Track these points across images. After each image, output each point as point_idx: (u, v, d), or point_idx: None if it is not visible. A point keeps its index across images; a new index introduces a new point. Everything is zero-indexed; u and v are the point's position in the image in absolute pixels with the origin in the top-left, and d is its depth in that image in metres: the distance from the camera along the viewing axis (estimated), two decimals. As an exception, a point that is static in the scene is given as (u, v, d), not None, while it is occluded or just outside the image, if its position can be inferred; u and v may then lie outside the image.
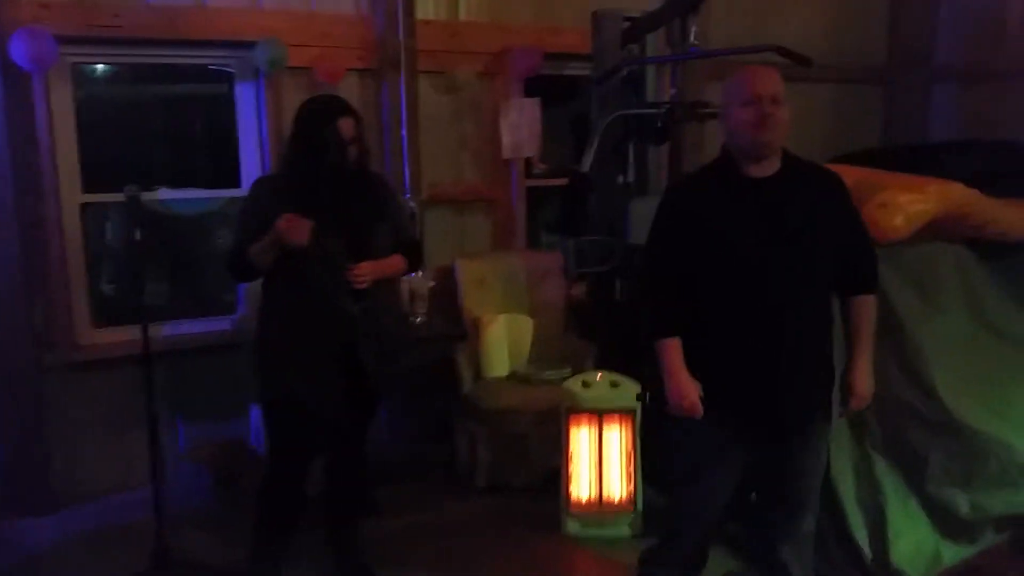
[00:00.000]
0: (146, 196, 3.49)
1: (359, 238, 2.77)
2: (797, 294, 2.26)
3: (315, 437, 2.88)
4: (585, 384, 3.34)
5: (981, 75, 5.19)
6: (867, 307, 2.41)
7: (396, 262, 2.93)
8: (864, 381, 2.39)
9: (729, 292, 2.28)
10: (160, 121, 4.56)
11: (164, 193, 3.98)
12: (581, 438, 3.34)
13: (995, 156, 4.67)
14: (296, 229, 2.59)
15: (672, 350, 2.33)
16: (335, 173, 2.73)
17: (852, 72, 5.50)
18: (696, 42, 3.43)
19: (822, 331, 2.36)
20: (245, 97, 4.06)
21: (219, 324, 4.06)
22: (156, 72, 4.20)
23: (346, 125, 2.73)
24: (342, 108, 2.77)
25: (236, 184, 4.13)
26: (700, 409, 2.30)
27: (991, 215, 3.49)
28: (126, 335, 3.75)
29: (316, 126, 2.72)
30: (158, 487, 3.06)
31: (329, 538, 3.04)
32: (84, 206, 3.78)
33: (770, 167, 2.30)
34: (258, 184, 2.92)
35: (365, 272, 2.75)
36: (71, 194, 3.71)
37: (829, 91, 5.43)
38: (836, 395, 2.42)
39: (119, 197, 3.07)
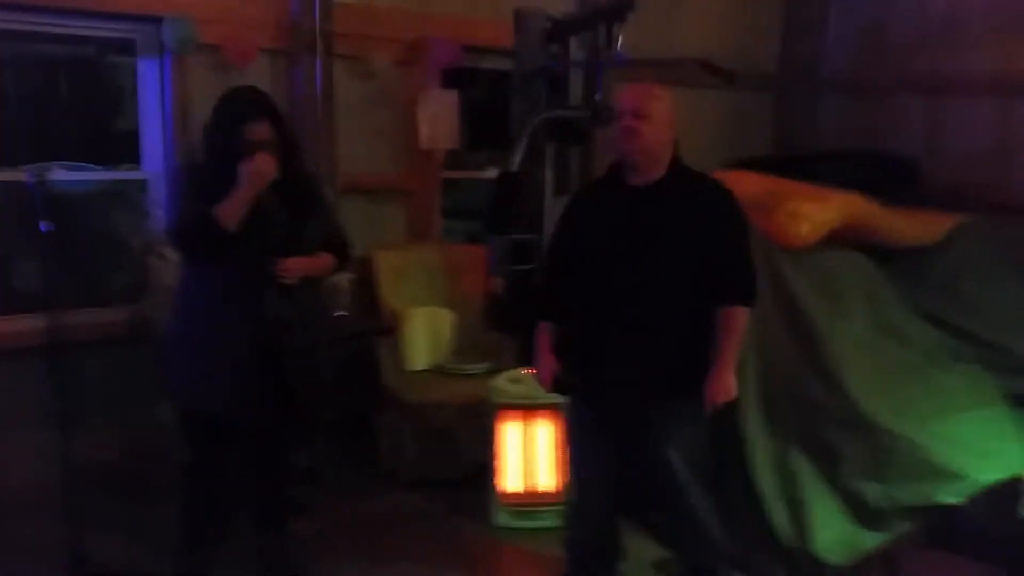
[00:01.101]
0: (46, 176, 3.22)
1: (285, 235, 2.68)
2: (646, 296, 2.41)
3: (234, 440, 2.79)
4: (512, 380, 3.38)
5: (865, 87, 5.54)
6: (732, 318, 2.45)
7: (325, 260, 2.84)
8: (716, 387, 2.43)
9: (587, 287, 2.49)
10: (48, 90, 4.23)
11: (61, 173, 3.68)
12: (510, 433, 3.38)
13: (873, 165, 5.04)
14: (266, 162, 2.55)
15: (541, 333, 2.61)
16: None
17: (745, 80, 5.74)
18: (621, 49, 3.50)
19: (664, 335, 2.43)
20: (148, 74, 3.82)
21: (113, 314, 3.80)
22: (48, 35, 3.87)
23: (258, 129, 2.61)
24: (256, 110, 2.65)
25: (135, 162, 3.89)
26: (549, 386, 2.60)
27: (886, 225, 3.78)
28: (19, 324, 3.49)
29: (226, 128, 2.63)
30: (68, 487, 2.86)
31: (256, 545, 2.95)
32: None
33: (651, 176, 2.46)
34: (187, 170, 2.79)
35: (293, 268, 2.65)
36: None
37: (722, 98, 5.64)
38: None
39: (16, 175, 2.85)
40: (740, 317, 2.48)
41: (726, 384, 2.45)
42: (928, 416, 3.13)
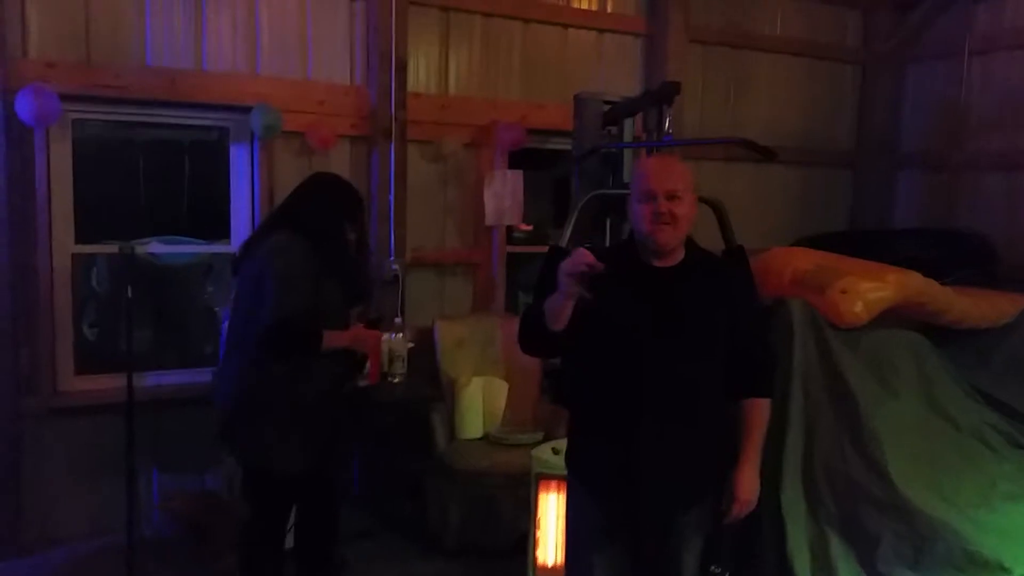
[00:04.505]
0: (138, 249, 3.60)
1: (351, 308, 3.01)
2: (670, 387, 2.22)
3: (297, 496, 3.00)
4: (555, 451, 3.44)
5: (942, 163, 5.44)
6: (756, 411, 2.36)
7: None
8: (745, 487, 2.33)
9: (602, 374, 2.25)
10: (148, 169, 4.69)
11: (155, 246, 4.08)
12: (550, 504, 3.43)
13: (950, 243, 4.92)
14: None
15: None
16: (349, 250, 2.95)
17: (821, 156, 5.75)
18: (670, 130, 3.62)
19: (699, 427, 2.29)
20: (239, 157, 4.21)
21: (199, 376, 4.12)
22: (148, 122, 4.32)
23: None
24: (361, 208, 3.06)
25: (226, 238, 4.25)
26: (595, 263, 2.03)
27: (946, 304, 3.67)
28: (107, 383, 3.84)
29: (354, 206, 3.00)
30: (131, 537, 3.10)
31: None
32: (74, 256, 3.88)
33: (671, 259, 2.29)
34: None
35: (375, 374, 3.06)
36: (64, 245, 3.81)
37: (799, 174, 5.67)
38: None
39: (110, 248, 3.15)
40: (767, 410, 2.39)
41: (755, 485, 2.36)
42: (975, 503, 3.00)
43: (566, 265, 2.06)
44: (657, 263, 2.29)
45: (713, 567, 2.98)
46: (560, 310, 2.12)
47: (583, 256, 2.02)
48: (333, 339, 2.81)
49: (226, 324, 3.74)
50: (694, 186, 2.29)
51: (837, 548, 2.98)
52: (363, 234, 3.06)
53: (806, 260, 3.73)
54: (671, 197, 2.21)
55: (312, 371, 2.82)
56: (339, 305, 2.93)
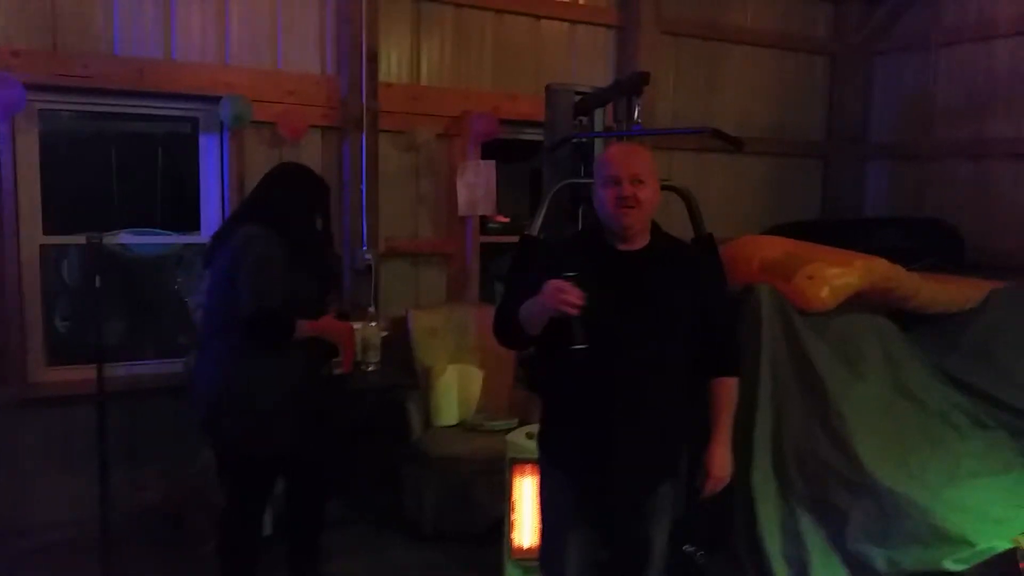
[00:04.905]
0: (107, 239, 3.57)
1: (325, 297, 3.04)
2: (639, 368, 2.26)
3: (279, 480, 3.07)
4: (529, 436, 3.46)
5: (911, 153, 5.53)
6: (725, 389, 2.40)
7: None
8: (718, 464, 2.38)
9: (573, 361, 2.22)
10: (120, 161, 4.65)
11: (125, 237, 4.05)
12: (525, 487, 3.45)
13: (917, 232, 5.00)
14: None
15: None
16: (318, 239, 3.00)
17: (793, 147, 5.81)
18: (639, 120, 3.65)
19: (667, 407, 2.33)
20: (209, 148, 4.18)
21: (172, 366, 4.09)
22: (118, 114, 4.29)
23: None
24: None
25: (196, 228, 4.22)
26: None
27: (912, 289, 3.73)
28: (79, 374, 3.82)
29: (322, 192, 3.05)
30: (105, 526, 3.09)
31: (291, 561, 3.15)
32: (42, 247, 3.84)
33: (637, 242, 2.33)
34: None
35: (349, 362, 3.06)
36: (31, 236, 3.77)
37: (771, 164, 5.72)
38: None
39: (79, 239, 3.13)
40: (734, 389, 2.43)
41: (728, 463, 2.40)
42: (940, 481, 3.06)
43: (550, 298, 2.12)
44: (622, 247, 2.32)
45: (686, 546, 3.03)
46: (537, 322, 2.22)
47: (569, 296, 2.09)
48: (304, 328, 2.85)
49: (199, 315, 3.75)
50: (658, 174, 2.34)
51: (807, 526, 3.03)
52: (327, 223, 3.08)
53: (774, 248, 3.78)
54: (635, 181, 2.25)
55: (290, 358, 2.87)
56: (311, 294, 2.96)
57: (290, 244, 2.85)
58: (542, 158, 4.10)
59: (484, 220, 4.82)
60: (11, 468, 3.72)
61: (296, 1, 4.21)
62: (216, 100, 3.96)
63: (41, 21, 3.67)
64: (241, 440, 2.87)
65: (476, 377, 4.22)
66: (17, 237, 3.70)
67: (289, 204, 2.95)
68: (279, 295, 2.76)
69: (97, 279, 3.14)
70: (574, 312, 2.10)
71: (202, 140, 4.18)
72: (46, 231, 3.82)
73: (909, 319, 3.76)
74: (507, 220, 5.31)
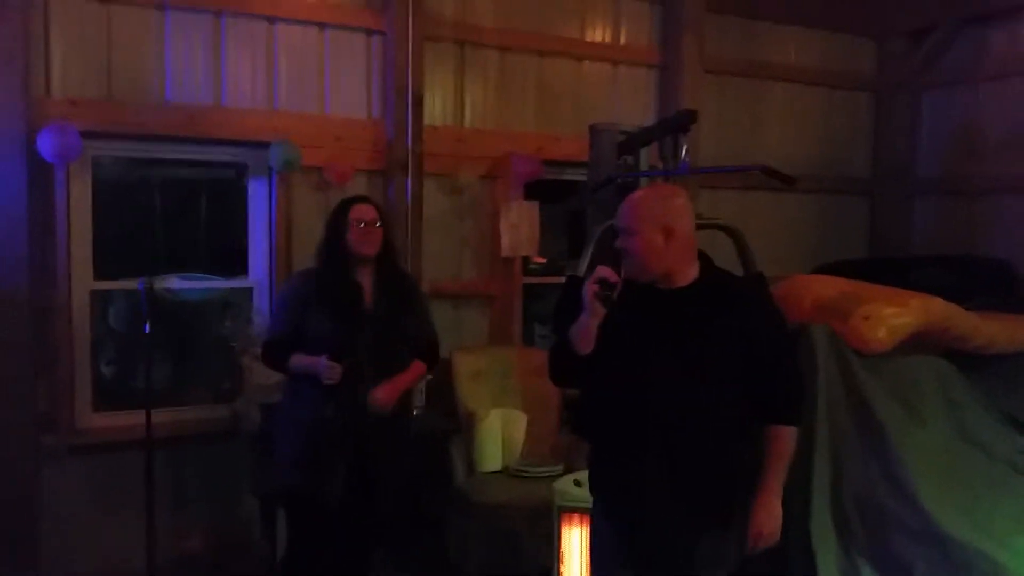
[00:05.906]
0: (157, 283, 3.61)
1: (384, 332, 2.99)
2: (672, 409, 2.20)
3: (332, 535, 3.00)
4: (577, 483, 3.39)
5: (959, 188, 5.42)
6: (779, 439, 2.30)
7: (416, 372, 3.16)
8: (762, 519, 2.28)
9: (612, 397, 2.24)
10: (164, 207, 4.72)
11: (174, 282, 4.09)
12: (573, 537, 3.37)
13: (968, 269, 4.88)
14: (332, 371, 2.87)
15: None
16: (358, 258, 2.99)
17: (838, 184, 5.74)
18: (687, 158, 3.62)
19: (711, 452, 2.24)
20: (257, 192, 4.23)
21: (217, 411, 4.09)
22: (162, 160, 4.35)
23: (363, 209, 3.03)
24: (360, 197, 3.18)
25: (243, 272, 4.26)
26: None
27: (971, 329, 3.62)
28: (126, 420, 3.84)
29: (336, 213, 3.06)
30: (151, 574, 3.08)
31: None
32: (92, 292, 3.89)
33: (676, 281, 2.27)
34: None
35: (385, 401, 2.97)
36: (82, 281, 3.82)
37: (816, 202, 5.65)
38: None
39: (128, 284, 3.18)
40: (790, 439, 2.32)
41: (775, 516, 2.29)
42: (1009, 530, 2.92)
43: (588, 282, 2.20)
44: (661, 286, 2.28)
45: (742, 599, 2.90)
46: (585, 332, 2.21)
47: (601, 271, 2.17)
48: (295, 362, 2.97)
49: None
50: (658, 219, 2.23)
51: (869, 579, 2.91)
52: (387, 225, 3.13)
53: (827, 287, 3.70)
54: (626, 232, 2.25)
55: (302, 394, 2.98)
56: (322, 332, 2.96)
57: (316, 279, 3.03)
58: (585, 198, 4.09)
59: (525, 261, 4.80)
60: (58, 514, 3.73)
61: (343, 47, 4.27)
62: (265, 145, 4.00)
63: (97, 71, 3.76)
64: (284, 470, 2.99)
65: (520, 421, 4.16)
66: (69, 282, 3.75)
67: (319, 246, 3.11)
68: (281, 330, 3.00)
69: (147, 325, 3.16)
70: (615, 279, 2.16)
71: (251, 185, 4.23)
72: (96, 276, 3.87)
73: (968, 361, 3.65)
74: (544, 261, 5.29)
